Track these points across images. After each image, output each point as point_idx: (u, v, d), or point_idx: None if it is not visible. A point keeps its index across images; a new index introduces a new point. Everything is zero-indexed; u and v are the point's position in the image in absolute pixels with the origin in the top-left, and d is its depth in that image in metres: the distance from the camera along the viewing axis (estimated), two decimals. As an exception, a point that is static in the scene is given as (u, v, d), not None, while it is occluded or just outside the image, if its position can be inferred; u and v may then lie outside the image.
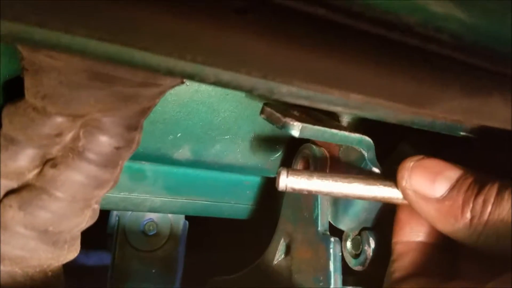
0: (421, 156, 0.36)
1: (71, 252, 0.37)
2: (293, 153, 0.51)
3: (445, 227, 0.34)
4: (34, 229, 0.34)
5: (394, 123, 0.47)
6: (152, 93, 0.33)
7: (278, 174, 0.37)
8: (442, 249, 0.37)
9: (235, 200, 0.61)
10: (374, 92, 0.28)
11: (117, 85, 0.31)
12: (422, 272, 0.35)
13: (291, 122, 0.37)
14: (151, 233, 0.60)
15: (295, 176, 0.36)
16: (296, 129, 0.37)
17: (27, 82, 0.31)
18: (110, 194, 0.54)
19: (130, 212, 0.59)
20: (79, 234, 0.38)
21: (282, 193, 0.54)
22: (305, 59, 0.28)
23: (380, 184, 0.37)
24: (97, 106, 0.32)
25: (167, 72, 0.29)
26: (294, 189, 0.37)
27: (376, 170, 0.40)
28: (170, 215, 0.62)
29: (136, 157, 0.50)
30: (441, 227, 0.34)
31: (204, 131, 0.49)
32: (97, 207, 0.37)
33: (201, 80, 0.29)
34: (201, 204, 0.59)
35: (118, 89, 0.31)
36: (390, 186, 0.37)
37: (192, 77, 0.29)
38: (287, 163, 0.54)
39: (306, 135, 0.37)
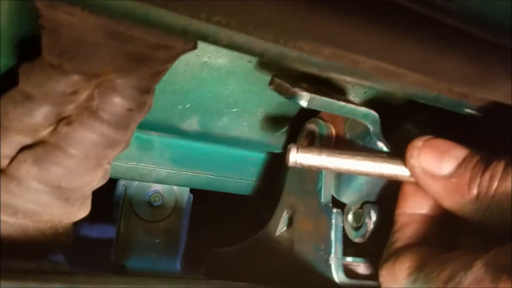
0: (429, 136, 0.37)
1: (82, 210, 0.38)
2: (299, 130, 0.52)
3: (452, 204, 0.35)
4: (47, 184, 0.35)
5: (398, 103, 0.48)
6: (165, 56, 0.34)
7: (288, 150, 0.38)
8: (444, 222, 0.38)
9: (239, 176, 0.62)
10: (382, 59, 0.29)
11: (132, 45, 0.32)
12: (423, 242, 0.36)
13: (300, 92, 0.38)
14: (157, 204, 0.61)
15: (305, 153, 0.38)
16: (304, 99, 0.38)
17: (45, 39, 0.32)
18: (118, 163, 0.55)
19: (136, 183, 0.60)
20: (90, 193, 0.39)
21: (286, 169, 0.55)
22: (316, 24, 0.29)
23: (387, 162, 0.38)
24: (111, 66, 0.33)
25: (181, 31, 0.30)
26: (303, 165, 0.38)
27: (380, 144, 0.41)
28: (175, 188, 0.63)
29: (145, 127, 0.51)
30: (448, 204, 0.35)
31: (212, 103, 0.50)
32: (108, 167, 0.38)
33: (215, 41, 0.30)
34: (206, 178, 0.60)
35: (132, 49, 0.32)
36: (397, 164, 0.38)
37: (206, 38, 0.30)
38: (292, 139, 0.55)
39: (314, 106, 0.38)
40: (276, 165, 0.61)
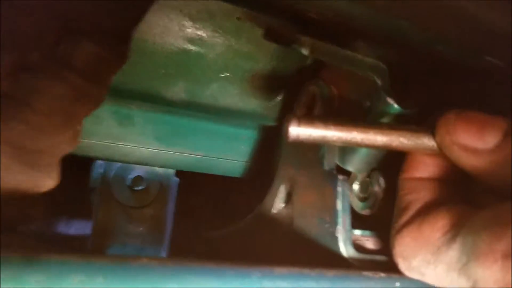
0: (459, 110, 0.32)
1: (51, 178, 0.33)
2: (295, 99, 0.47)
3: (501, 178, 0.30)
4: (9, 144, 0.29)
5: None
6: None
7: (287, 122, 0.30)
8: (457, 183, 0.34)
9: (230, 156, 0.57)
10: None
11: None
12: (444, 203, 0.32)
13: (302, 38, 0.33)
14: (139, 188, 0.56)
15: (309, 126, 0.30)
16: (307, 46, 0.33)
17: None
18: (94, 141, 0.50)
19: (116, 164, 0.55)
20: (59, 159, 0.33)
21: (280, 141, 0.51)
22: None
23: (403, 135, 0.33)
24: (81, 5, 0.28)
25: None
26: (306, 141, 0.30)
27: (390, 101, 0.37)
28: (160, 171, 0.57)
29: (126, 96, 0.46)
30: (496, 180, 0.31)
31: (199, 68, 0.45)
32: (79, 128, 0.33)
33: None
34: (193, 158, 0.55)
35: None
36: (416, 136, 0.33)
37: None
38: (288, 111, 0.50)
39: (317, 54, 0.34)
40: (269, 142, 0.56)
